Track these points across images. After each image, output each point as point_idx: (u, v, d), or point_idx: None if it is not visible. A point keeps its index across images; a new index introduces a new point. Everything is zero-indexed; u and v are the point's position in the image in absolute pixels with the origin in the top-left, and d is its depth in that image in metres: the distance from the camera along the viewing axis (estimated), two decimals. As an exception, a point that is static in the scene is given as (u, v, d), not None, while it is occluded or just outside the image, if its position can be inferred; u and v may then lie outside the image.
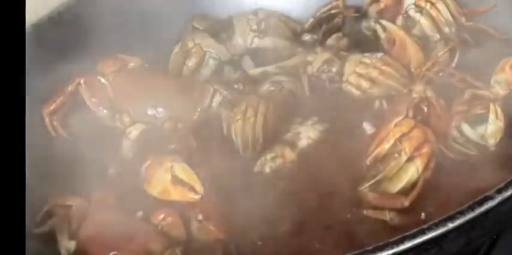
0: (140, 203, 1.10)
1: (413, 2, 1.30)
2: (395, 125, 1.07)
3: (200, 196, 1.06)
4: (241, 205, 1.07)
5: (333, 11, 1.44)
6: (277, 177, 1.14)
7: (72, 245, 1.05)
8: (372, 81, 1.24)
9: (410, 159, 1.03)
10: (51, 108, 1.27)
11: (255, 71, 1.37)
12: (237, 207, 1.06)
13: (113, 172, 1.20)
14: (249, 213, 1.04)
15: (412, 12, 1.31)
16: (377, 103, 1.22)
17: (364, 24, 1.40)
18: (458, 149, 1.10)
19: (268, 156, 1.16)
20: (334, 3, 1.44)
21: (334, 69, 1.28)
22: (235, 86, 1.34)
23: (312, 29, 1.45)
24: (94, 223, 1.06)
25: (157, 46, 1.41)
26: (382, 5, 1.35)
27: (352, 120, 1.17)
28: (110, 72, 1.31)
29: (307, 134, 1.19)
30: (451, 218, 0.80)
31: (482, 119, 1.08)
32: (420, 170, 1.03)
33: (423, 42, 1.30)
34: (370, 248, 0.79)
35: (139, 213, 1.09)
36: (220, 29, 1.43)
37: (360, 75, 1.24)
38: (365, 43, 1.37)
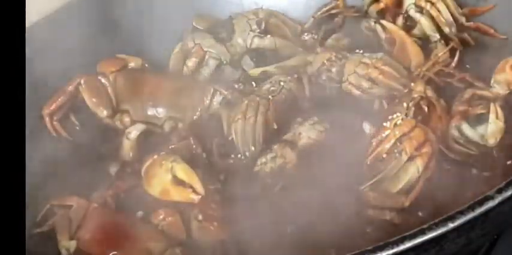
0: (140, 203, 1.10)
1: (413, 2, 1.30)
2: (396, 125, 1.06)
3: (200, 196, 1.06)
4: (242, 205, 1.07)
5: (333, 11, 1.44)
6: (277, 177, 1.14)
7: (72, 245, 1.05)
8: (372, 81, 1.23)
9: (410, 159, 1.03)
10: (51, 108, 1.27)
11: (255, 71, 1.38)
12: (238, 207, 1.06)
13: (113, 172, 1.21)
14: (249, 213, 1.04)
15: (412, 12, 1.31)
16: (377, 103, 1.22)
17: (364, 24, 1.40)
18: (458, 149, 1.10)
19: (268, 156, 1.16)
20: (334, 3, 1.44)
21: (334, 69, 1.28)
22: (235, 86, 1.34)
23: (312, 29, 1.45)
24: (94, 223, 1.07)
25: (157, 46, 1.41)
26: (382, 5, 1.35)
27: (352, 120, 1.17)
28: (110, 72, 1.31)
29: (307, 134, 1.19)
30: (451, 218, 0.80)
31: (483, 119, 1.08)
32: (420, 170, 1.03)
33: (423, 42, 1.30)
34: (370, 248, 0.79)
35: (139, 213, 1.09)
36: (220, 29, 1.43)
37: (360, 75, 1.24)
38: (365, 43, 1.37)
